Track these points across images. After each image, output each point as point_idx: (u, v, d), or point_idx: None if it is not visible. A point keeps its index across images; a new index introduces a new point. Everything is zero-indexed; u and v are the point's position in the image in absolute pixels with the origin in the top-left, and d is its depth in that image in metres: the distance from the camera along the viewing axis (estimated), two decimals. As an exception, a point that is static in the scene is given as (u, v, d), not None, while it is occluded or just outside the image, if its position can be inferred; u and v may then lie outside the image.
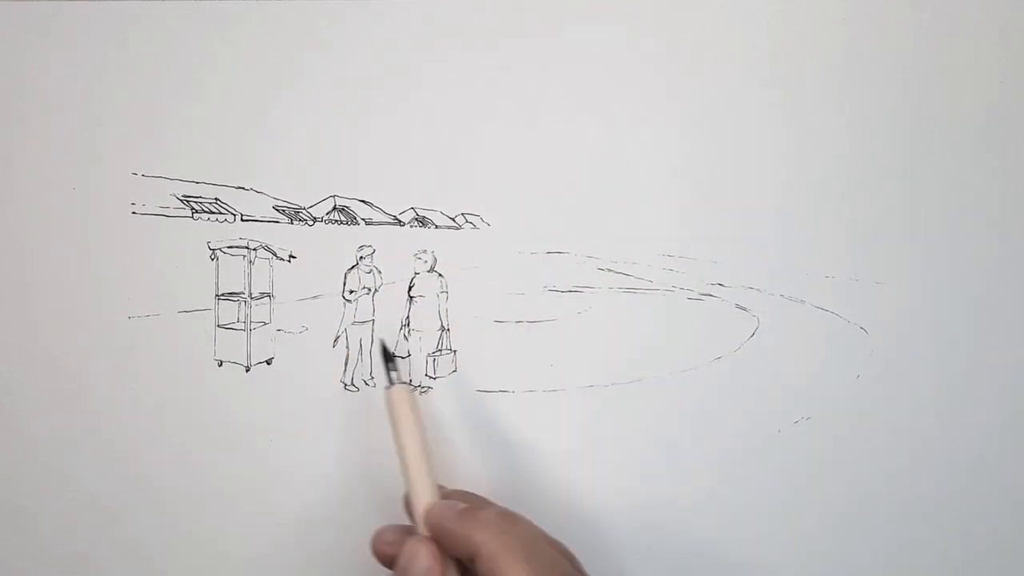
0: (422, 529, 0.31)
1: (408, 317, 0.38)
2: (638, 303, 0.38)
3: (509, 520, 0.30)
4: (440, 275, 0.37)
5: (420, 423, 0.33)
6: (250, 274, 0.37)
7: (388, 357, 0.35)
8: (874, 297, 0.38)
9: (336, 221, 0.37)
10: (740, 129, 0.38)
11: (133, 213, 0.36)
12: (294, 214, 0.37)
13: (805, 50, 0.38)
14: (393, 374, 0.34)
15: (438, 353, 0.38)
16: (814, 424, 0.39)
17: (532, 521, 0.31)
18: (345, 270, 0.37)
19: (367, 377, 0.37)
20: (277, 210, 0.37)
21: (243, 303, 0.37)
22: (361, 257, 0.37)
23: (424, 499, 0.31)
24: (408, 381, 0.36)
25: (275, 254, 0.37)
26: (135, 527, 0.37)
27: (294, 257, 0.37)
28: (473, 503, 0.31)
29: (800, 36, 0.38)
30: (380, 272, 0.37)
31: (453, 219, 0.37)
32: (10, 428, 0.37)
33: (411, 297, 0.38)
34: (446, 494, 0.33)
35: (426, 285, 0.38)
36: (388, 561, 0.32)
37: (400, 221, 0.37)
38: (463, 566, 0.30)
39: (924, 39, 0.38)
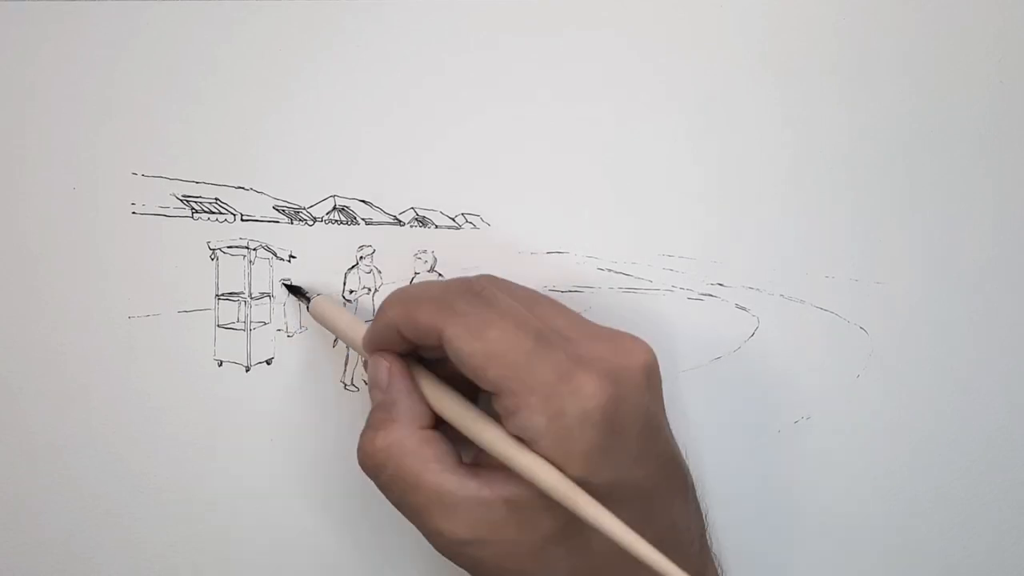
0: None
1: (408, 317, 0.38)
2: (638, 303, 0.38)
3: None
4: (440, 275, 0.37)
5: (357, 318, 0.34)
6: (250, 274, 0.37)
7: (294, 289, 0.36)
8: (874, 297, 0.38)
9: (336, 221, 0.37)
10: (740, 129, 0.38)
11: (133, 213, 0.36)
12: (294, 214, 0.37)
13: (805, 50, 0.38)
14: (310, 293, 0.36)
15: (438, 353, 0.38)
16: (814, 424, 0.39)
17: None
18: (345, 270, 0.37)
19: (367, 377, 0.37)
20: (277, 210, 0.37)
21: (243, 303, 0.37)
22: (361, 257, 0.37)
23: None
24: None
25: (275, 254, 0.37)
26: (135, 527, 0.37)
27: (294, 257, 0.37)
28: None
29: (800, 36, 0.38)
30: (380, 272, 0.37)
31: (453, 219, 0.37)
32: (10, 428, 0.37)
33: (411, 297, 0.37)
34: None
35: (426, 285, 0.38)
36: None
37: (400, 221, 0.37)
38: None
39: (924, 39, 0.38)
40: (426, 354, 0.31)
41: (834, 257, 0.38)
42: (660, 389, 0.29)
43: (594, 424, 0.24)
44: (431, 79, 0.37)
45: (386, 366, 0.30)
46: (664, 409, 0.30)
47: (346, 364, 0.37)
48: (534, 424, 0.25)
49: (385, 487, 0.29)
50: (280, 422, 0.37)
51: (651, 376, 0.28)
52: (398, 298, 0.30)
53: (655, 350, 0.28)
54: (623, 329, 0.29)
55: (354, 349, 0.33)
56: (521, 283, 0.33)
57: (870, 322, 0.39)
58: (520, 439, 0.26)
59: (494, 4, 0.37)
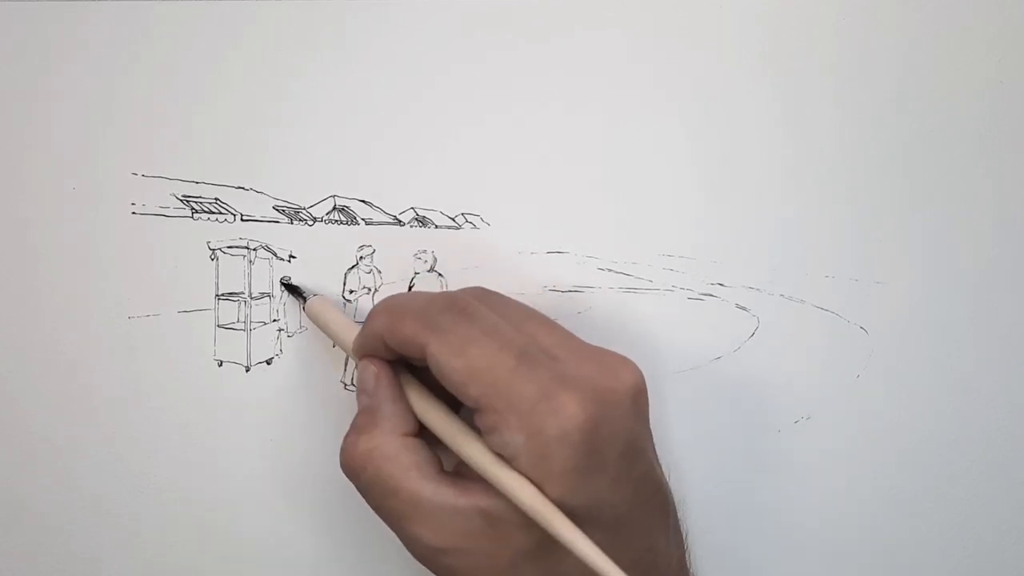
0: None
1: (408, 317, 0.38)
2: (638, 303, 0.38)
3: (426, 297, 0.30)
4: (440, 275, 0.37)
5: (351, 321, 0.34)
6: (250, 274, 0.37)
7: (292, 288, 0.36)
8: (874, 297, 0.39)
9: (336, 221, 0.37)
10: (740, 129, 0.38)
11: (133, 213, 0.36)
12: (294, 214, 0.37)
13: (805, 49, 0.38)
14: (307, 293, 0.36)
15: (438, 353, 0.38)
16: (814, 424, 0.39)
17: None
18: (345, 270, 0.37)
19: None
20: (277, 210, 0.37)
21: (243, 303, 0.37)
22: (361, 257, 0.37)
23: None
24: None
25: (275, 254, 0.37)
26: (135, 527, 0.37)
27: (294, 257, 0.37)
28: None
29: (799, 35, 0.38)
30: (380, 272, 0.37)
31: (453, 219, 0.37)
32: (10, 428, 0.37)
33: (411, 297, 0.38)
34: None
35: (426, 285, 0.38)
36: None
37: (400, 221, 0.37)
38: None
39: (924, 39, 0.38)
40: (414, 362, 0.31)
41: (834, 257, 0.38)
42: (647, 411, 0.29)
43: (572, 444, 0.24)
44: (432, 79, 0.37)
45: (374, 371, 0.31)
46: (650, 432, 0.29)
47: (346, 364, 0.37)
48: (513, 442, 0.25)
49: (364, 490, 0.29)
50: (280, 422, 0.37)
51: (637, 398, 0.27)
52: (384, 308, 0.30)
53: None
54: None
55: (346, 352, 0.34)
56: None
57: (870, 322, 0.39)
58: (500, 456, 0.26)
59: (496, 5, 0.37)
